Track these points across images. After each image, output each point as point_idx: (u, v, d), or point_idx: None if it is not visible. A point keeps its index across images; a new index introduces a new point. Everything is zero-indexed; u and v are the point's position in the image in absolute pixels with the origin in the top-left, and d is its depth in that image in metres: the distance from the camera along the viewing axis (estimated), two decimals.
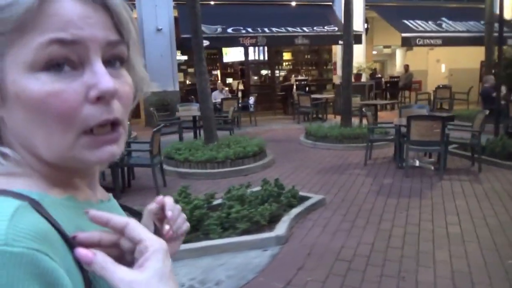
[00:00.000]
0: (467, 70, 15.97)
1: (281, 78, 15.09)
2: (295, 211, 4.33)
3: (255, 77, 15.66)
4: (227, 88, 13.82)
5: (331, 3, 13.39)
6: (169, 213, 0.59)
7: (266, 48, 15.29)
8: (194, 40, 6.74)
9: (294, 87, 13.38)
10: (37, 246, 0.39)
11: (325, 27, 12.07)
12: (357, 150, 7.57)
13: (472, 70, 15.50)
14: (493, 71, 14.73)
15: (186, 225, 0.64)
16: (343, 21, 9.05)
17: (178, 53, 13.80)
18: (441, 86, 13.71)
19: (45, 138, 0.46)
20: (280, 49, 15.59)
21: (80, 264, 0.43)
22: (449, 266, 3.27)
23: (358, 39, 11.88)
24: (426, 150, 6.14)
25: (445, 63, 17.42)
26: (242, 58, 15.30)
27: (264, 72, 15.70)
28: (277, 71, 15.62)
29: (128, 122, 0.54)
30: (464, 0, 14.09)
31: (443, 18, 13.31)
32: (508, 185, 5.43)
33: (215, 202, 4.35)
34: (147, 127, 10.52)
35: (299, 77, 13.85)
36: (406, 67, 15.00)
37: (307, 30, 11.87)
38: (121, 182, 5.52)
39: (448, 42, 12.68)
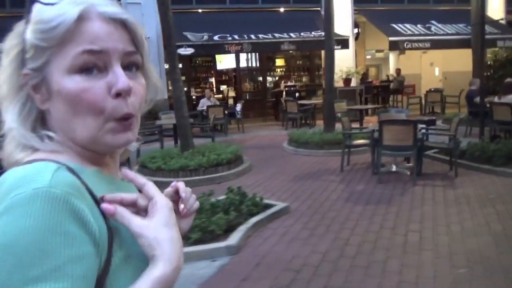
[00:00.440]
0: (461, 73, 15.78)
1: (272, 84, 15.07)
2: (254, 219, 4.27)
3: (247, 84, 15.64)
4: (215, 96, 13.85)
5: (319, 8, 13.38)
6: (183, 195, 0.73)
7: (257, 54, 15.31)
8: (168, 49, 6.73)
9: (284, 93, 13.33)
10: (72, 191, 0.53)
11: (312, 33, 12.04)
12: (337, 156, 7.44)
13: (466, 73, 15.26)
14: (485, 73, 14.71)
15: (197, 204, 0.77)
16: (325, 27, 9.00)
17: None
18: (432, 89, 13.58)
19: (78, 123, 0.60)
20: (272, 55, 15.58)
21: (104, 215, 0.56)
22: (397, 277, 3.18)
23: (344, 43, 11.87)
24: (398, 155, 6.05)
25: (438, 66, 17.30)
26: (235, 65, 15.33)
27: (255, 78, 15.68)
28: (269, 77, 15.61)
29: None
30: (454, 2, 14.02)
31: (432, 21, 13.23)
32: (482, 190, 5.32)
33: None
34: None
35: (288, 83, 13.78)
36: (398, 71, 14.90)
37: (293, 36, 11.85)
38: None
39: (437, 45, 12.58)
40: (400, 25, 13.02)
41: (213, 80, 15.85)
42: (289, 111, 11.46)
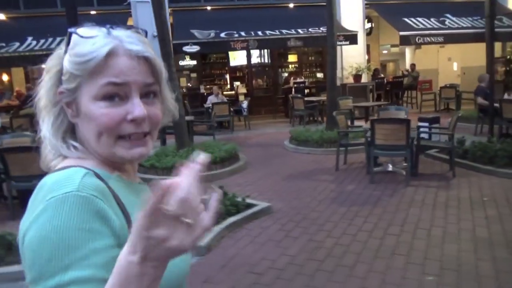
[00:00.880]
0: (480, 68, 15.20)
1: (283, 81, 14.96)
2: (231, 220, 4.24)
3: (258, 80, 15.57)
4: (226, 92, 13.86)
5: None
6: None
7: (269, 51, 15.22)
8: (163, 49, 6.73)
9: (293, 90, 13.19)
10: (96, 194, 0.64)
11: (321, 28, 11.83)
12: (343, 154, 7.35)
13: (484, 68, 14.81)
14: (505, 68, 14.11)
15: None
16: (327, 23, 8.80)
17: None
18: (447, 85, 13.13)
19: (97, 139, 0.71)
20: (284, 51, 15.45)
21: (123, 211, 0.68)
22: (360, 282, 3.08)
23: (353, 39, 11.61)
24: (391, 155, 5.87)
25: (457, 61, 16.72)
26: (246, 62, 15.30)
27: (266, 75, 15.60)
28: (284, 74, 15.47)
29: None
30: None
31: (447, 15, 12.76)
32: (477, 192, 5.10)
33: None
34: None
35: (298, 80, 13.61)
36: (413, 67, 14.48)
37: (301, 32, 11.68)
38: None
39: (451, 39, 12.13)
40: (412, 19, 12.63)
41: (227, 76, 15.88)
42: (296, 108, 11.34)
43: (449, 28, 12.34)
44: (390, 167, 6.22)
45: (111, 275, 0.53)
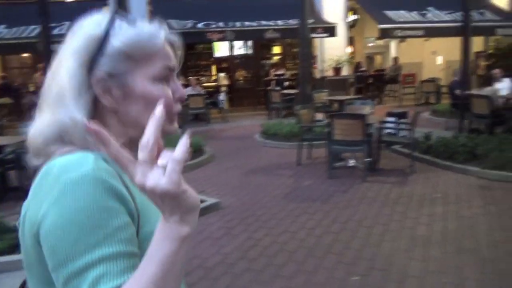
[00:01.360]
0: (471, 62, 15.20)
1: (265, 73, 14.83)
2: None
3: (240, 72, 15.44)
4: (205, 84, 13.73)
5: None
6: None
7: (252, 42, 15.06)
8: None
9: (274, 82, 13.08)
10: (107, 175, 0.64)
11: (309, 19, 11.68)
12: (303, 149, 7.29)
13: (470, 62, 14.74)
14: (487, 63, 14.06)
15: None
16: (300, 14, 8.67)
17: None
18: (428, 79, 13.09)
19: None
20: (268, 42, 15.28)
21: (132, 196, 0.67)
22: (285, 282, 3.04)
23: (331, 31, 11.49)
24: (349, 150, 5.82)
25: (441, 55, 16.63)
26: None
27: (249, 66, 15.45)
28: (268, 65, 15.30)
29: None
30: None
31: (429, 8, 12.65)
32: (431, 189, 5.08)
33: None
34: None
35: (278, 72, 13.49)
36: (395, 60, 14.41)
37: (280, 23, 11.55)
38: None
39: (432, 33, 12.05)
40: (394, 11, 12.51)
41: (212, 67, 15.72)
42: (273, 101, 11.25)
43: (431, 21, 12.25)
44: (351, 162, 6.18)
45: (147, 257, 0.55)
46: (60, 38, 0.78)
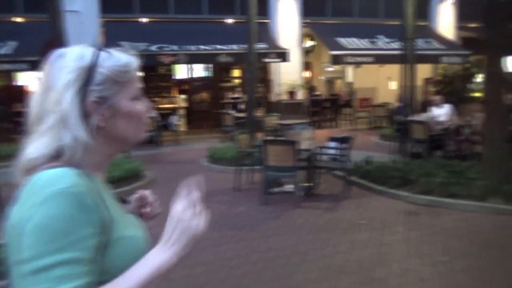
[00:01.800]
0: (415, 88, 15.81)
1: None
2: None
3: (200, 94, 15.41)
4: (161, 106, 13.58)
5: (269, 20, 13.25)
6: (150, 199, 1.17)
7: (212, 65, 15.11)
8: None
9: (230, 105, 13.12)
10: (84, 190, 0.78)
11: (258, 45, 11.85)
12: (244, 174, 7.24)
13: (420, 88, 15.38)
14: (436, 89, 14.66)
15: (159, 210, 1.17)
16: (249, 40, 8.79)
17: None
18: (380, 104, 13.49)
19: (134, 130, 0.92)
20: (228, 66, 15.37)
21: (105, 205, 0.83)
22: None
23: (284, 56, 11.70)
24: (282, 176, 5.81)
25: (396, 81, 17.24)
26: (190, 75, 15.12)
27: (208, 89, 15.46)
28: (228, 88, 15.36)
29: None
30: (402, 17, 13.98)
31: (379, 36, 13.17)
32: (359, 215, 5.09)
33: None
34: None
35: (235, 95, 13.57)
36: (350, 85, 14.80)
37: (235, 48, 11.65)
38: None
39: (380, 60, 12.49)
40: (347, 39, 12.93)
41: (173, 89, 15.60)
42: (225, 124, 11.23)
43: (380, 49, 12.71)
44: (288, 188, 6.16)
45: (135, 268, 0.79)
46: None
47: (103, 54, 0.87)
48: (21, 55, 10.15)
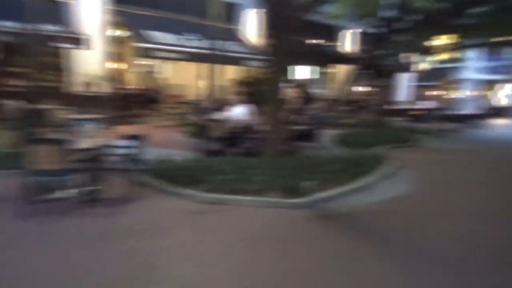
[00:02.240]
0: (223, 87, 16.57)
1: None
2: None
3: None
4: None
5: (73, 1, 11.59)
6: None
7: None
8: None
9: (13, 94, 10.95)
10: None
11: (45, 25, 10.19)
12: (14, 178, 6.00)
13: (227, 87, 16.15)
14: (240, 89, 15.64)
15: None
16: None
17: None
18: (189, 101, 13.56)
19: None
20: (15, 48, 12.84)
21: None
22: None
23: (78, 42, 10.45)
24: (50, 181, 5.00)
25: (205, 79, 17.75)
26: None
27: None
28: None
29: None
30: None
31: (193, 33, 13.20)
32: (140, 219, 4.74)
33: None
34: None
35: (18, 83, 11.46)
36: (160, 80, 14.42)
37: (17, 26, 9.73)
38: None
39: (191, 57, 12.52)
40: (158, 33, 12.48)
41: None
42: (5, 116, 9.31)
43: (192, 47, 12.73)
44: (63, 193, 5.31)
45: None
46: None
47: None
48: None
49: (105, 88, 12.15)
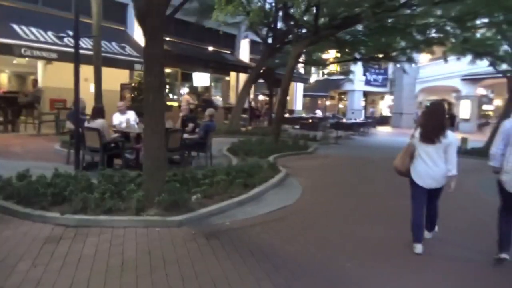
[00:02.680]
0: (112, 92, 15.34)
1: None
2: None
3: None
4: None
5: None
6: None
7: None
8: None
9: None
10: None
11: None
12: None
13: (116, 92, 14.98)
14: (131, 95, 14.62)
15: None
16: None
17: None
18: (65, 107, 12.14)
19: None
20: None
21: None
22: None
23: None
24: None
25: (93, 83, 16.27)
26: None
27: None
28: None
29: None
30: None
31: (69, 32, 11.84)
32: None
33: None
34: None
35: None
36: (34, 83, 12.70)
37: None
38: None
39: (66, 57, 11.19)
40: (25, 27, 10.90)
41: None
42: None
43: (67, 46, 11.39)
44: None
45: None
46: None
47: None
48: None
49: None
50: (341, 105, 39.11)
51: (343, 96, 38.65)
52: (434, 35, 12.63)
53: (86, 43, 11.91)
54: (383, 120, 34.45)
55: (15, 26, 10.54)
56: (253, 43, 21.66)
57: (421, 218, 4.36)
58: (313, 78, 33.73)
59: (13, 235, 4.26)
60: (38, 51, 10.38)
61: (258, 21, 13.21)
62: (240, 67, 20.19)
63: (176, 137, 7.64)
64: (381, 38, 13.59)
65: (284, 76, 11.99)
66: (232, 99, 21.95)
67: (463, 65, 17.41)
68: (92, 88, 16.33)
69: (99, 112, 7.26)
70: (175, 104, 17.84)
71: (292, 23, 13.28)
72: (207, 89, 22.69)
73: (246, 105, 19.99)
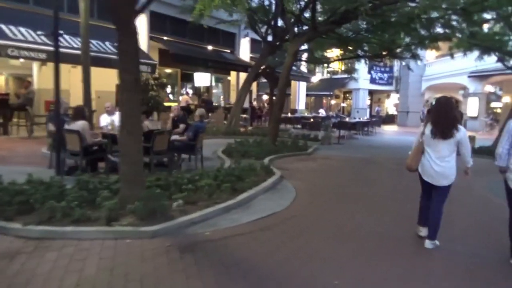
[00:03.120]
0: (108, 93, 15.04)
1: None
2: None
3: None
4: None
5: None
6: None
7: None
8: None
9: None
10: None
11: None
12: None
13: (112, 93, 14.69)
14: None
15: None
16: None
17: None
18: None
19: None
20: None
21: None
22: None
23: None
24: None
25: (91, 84, 15.95)
26: None
27: None
28: None
29: None
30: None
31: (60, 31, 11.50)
32: None
33: None
34: None
35: None
36: (26, 84, 12.40)
37: None
38: None
39: (53, 58, 10.85)
40: (12, 27, 10.58)
41: None
42: None
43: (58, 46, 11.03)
44: None
45: None
46: None
47: None
48: None
49: None
50: (345, 104, 38.52)
51: (348, 95, 38.06)
52: (439, 30, 12.08)
53: (78, 43, 11.57)
54: (389, 119, 33.84)
55: (3, 26, 10.23)
56: (253, 42, 21.24)
57: (426, 203, 4.57)
58: (318, 77, 33.20)
59: None
60: (25, 51, 10.05)
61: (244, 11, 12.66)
62: (241, 66, 19.76)
63: (163, 139, 7.24)
64: (385, 34, 13.11)
65: (281, 74, 11.53)
66: (233, 99, 21.54)
67: (470, 61, 16.77)
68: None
69: (79, 112, 6.88)
70: (175, 104, 17.48)
71: (292, 20, 12.82)
72: (207, 89, 22.32)
73: (247, 105, 19.58)
